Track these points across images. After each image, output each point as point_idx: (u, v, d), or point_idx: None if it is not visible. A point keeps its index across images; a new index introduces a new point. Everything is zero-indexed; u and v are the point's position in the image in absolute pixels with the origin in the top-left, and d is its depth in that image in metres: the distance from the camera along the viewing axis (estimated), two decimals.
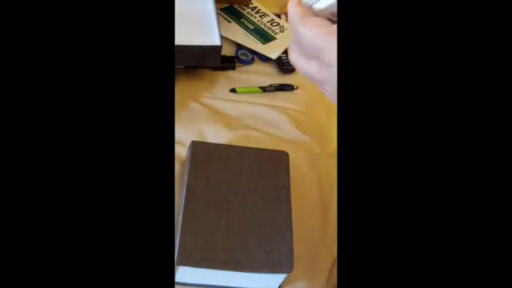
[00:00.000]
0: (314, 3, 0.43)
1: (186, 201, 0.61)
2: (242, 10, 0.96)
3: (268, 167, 0.67)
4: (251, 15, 0.95)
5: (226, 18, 0.94)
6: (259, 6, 0.97)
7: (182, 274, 0.58)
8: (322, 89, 0.43)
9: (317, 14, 0.43)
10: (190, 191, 0.62)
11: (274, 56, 0.88)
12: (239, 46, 0.90)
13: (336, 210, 0.55)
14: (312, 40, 0.40)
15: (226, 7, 0.96)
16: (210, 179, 0.64)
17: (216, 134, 0.76)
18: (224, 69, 0.86)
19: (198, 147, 0.67)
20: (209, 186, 0.63)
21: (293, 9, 0.43)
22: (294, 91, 0.85)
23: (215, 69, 0.85)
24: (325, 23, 0.41)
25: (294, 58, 0.44)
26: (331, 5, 0.42)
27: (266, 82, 0.85)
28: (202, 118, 0.78)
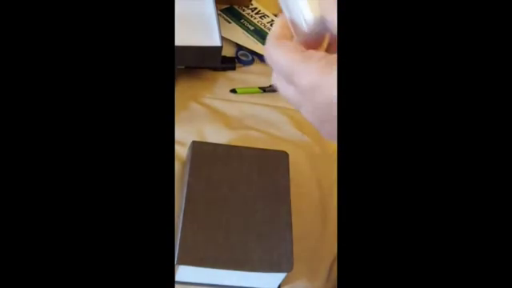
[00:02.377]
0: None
1: (187, 200, 0.61)
2: (242, 11, 0.96)
3: (268, 167, 0.67)
4: (251, 16, 0.96)
5: (226, 19, 0.94)
6: (259, 7, 0.98)
7: (183, 273, 0.59)
8: (301, 112, 0.41)
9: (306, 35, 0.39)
10: (190, 191, 0.62)
11: None
12: (239, 47, 0.90)
13: (336, 209, 0.56)
14: (285, 65, 0.38)
15: (226, 8, 0.96)
16: (211, 179, 0.64)
17: (216, 134, 0.76)
18: (224, 69, 0.86)
19: (198, 147, 0.67)
20: (209, 186, 0.63)
21: (272, 29, 0.40)
22: None
23: (215, 69, 0.86)
24: (298, 48, 0.38)
25: (275, 80, 0.42)
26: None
27: (266, 82, 0.85)
28: (202, 118, 0.78)
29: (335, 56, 0.36)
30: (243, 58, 0.89)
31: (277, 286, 0.62)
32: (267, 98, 0.84)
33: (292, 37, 0.40)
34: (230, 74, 0.87)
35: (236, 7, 0.97)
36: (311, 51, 0.38)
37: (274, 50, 0.39)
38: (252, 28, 0.93)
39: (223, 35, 0.83)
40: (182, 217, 0.60)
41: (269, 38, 0.40)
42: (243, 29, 0.93)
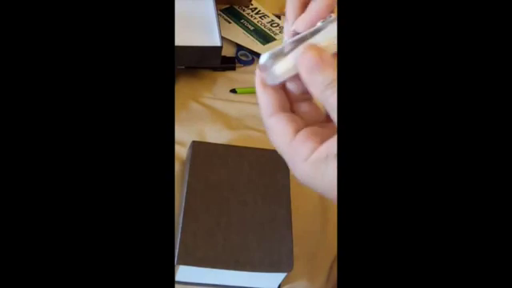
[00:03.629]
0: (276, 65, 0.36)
1: (187, 200, 0.61)
2: (242, 11, 0.96)
3: (268, 167, 0.67)
4: (251, 16, 0.96)
5: (226, 19, 0.94)
6: (259, 7, 0.98)
7: (183, 273, 0.59)
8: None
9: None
10: (190, 191, 0.62)
11: None
12: (239, 47, 0.90)
13: (336, 209, 0.56)
14: (278, 147, 0.37)
15: (226, 8, 0.96)
16: (210, 179, 0.64)
17: (216, 134, 0.76)
18: (224, 69, 0.86)
19: (198, 147, 0.67)
20: (209, 186, 0.63)
21: (263, 96, 0.37)
22: None
23: (215, 69, 0.86)
24: (289, 128, 0.36)
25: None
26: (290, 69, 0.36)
27: None
28: (202, 118, 0.78)
29: (324, 151, 0.35)
30: (243, 58, 0.89)
31: (277, 286, 0.62)
32: None
33: (286, 104, 0.38)
34: (230, 74, 0.87)
35: (236, 7, 0.97)
36: (298, 142, 0.36)
37: (270, 131, 0.38)
38: (252, 28, 0.93)
39: (223, 35, 0.83)
40: (181, 216, 0.60)
41: (264, 114, 0.38)
42: (243, 29, 0.93)
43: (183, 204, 0.61)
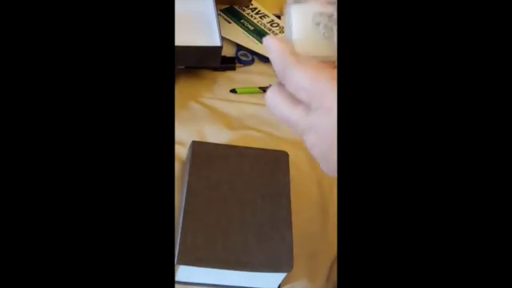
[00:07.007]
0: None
1: (187, 200, 0.61)
2: (242, 11, 0.96)
3: (268, 167, 0.67)
4: (251, 16, 0.96)
5: (226, 19, 0.94)
6: (259, 7, 0.98)
7: (183, 273, 0.59)
8: (303, 137, 0.40)
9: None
10: (190, 191, 0.62)
11: None
12: (239, 47, 0.90)
13: (336, 209, 0.56)
14: (309, 85, 0.37)
15: (226, 8, 0.96)
16: (210, 179, 0.64)
17: (216, 134, 0.76)
18: (224, 69, 0.86)
19: (198, 147, 0.67)
20: (209, 186, 0.63)
21: (278, 47, 0.38)
22: None
23: (215, 69, 0.86)
24: (322, 65, 0.37)
25: (274, 102, 0.40)
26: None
27: (266, 82, 0.85)
28: (202, 118, 0.78)
29: None
30: (243, 58, 0.89)
31: (277, 286, 0.62)
32: None
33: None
34: (230, 73, 0.86)
35: (236, 7, 0.97)
36: (332, 69, 0.36)
37: (296, 68, 0.37)
38: (252, 28, 0.93)
39: (223, 35, 0.83)
40: (182, 216, 0.60)
41: (281, 56, 0.38)
42: (243, 29, 0.93)
43: (183, 204, 0.61)
